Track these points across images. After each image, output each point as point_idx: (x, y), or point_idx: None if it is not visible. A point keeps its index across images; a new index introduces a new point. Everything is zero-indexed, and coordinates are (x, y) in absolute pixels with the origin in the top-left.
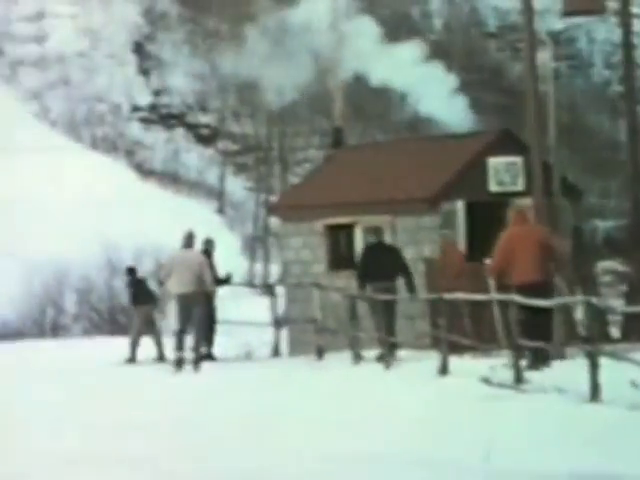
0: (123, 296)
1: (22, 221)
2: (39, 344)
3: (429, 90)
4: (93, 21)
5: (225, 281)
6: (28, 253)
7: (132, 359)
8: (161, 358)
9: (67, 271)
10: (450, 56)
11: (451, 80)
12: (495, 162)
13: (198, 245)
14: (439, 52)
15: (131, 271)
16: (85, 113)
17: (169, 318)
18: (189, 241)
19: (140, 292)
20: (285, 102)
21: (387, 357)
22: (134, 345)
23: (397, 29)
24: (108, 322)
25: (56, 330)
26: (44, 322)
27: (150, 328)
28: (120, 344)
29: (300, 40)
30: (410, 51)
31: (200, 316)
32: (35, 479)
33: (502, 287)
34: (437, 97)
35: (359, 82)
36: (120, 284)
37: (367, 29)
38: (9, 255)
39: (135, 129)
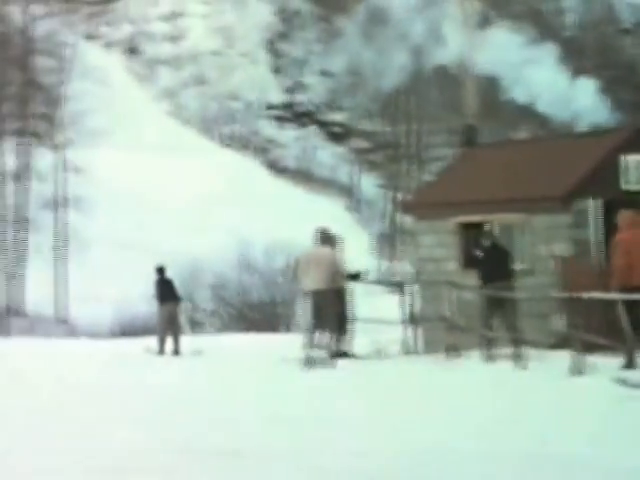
0: (256, 293)
1: (156, 218)
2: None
3: (565, 90)
4: (227, 20)
5: (355, 277)
6: (163, 249)
7: (161, 351)
8: (176, 352)
9: (201, 267)
10: (584, 53)
11: (588, 81)
12: (629, 160)
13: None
14: (573, 50)
15: (160, 271)
16: (218, 111)
17: (303, 315)
18: (322, 238)
19: (166, 291)
20: (417, 100)
21: (518, 356)
22: (162, 339)
23: (532, 28)
24: (242, 318)
25: (191, 326)
26: None
27: (172, 324)
28: (253, 340)
29: (433, 42)
30: (545, 52)
31: (333, 313)
32: (183, 473)
33: (625, 289)
34: (575, 97)
35: (492, 83)
36: (252, 281)
37: (503, 35)
38: (143, 251)
39: (268, 127)
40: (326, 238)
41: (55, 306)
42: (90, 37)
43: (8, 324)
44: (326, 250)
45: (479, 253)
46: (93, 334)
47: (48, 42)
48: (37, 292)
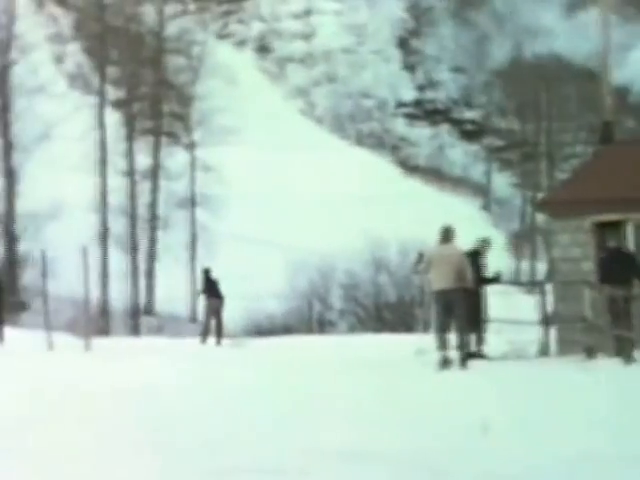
0: (390, 293)
1: (288, 216)
2: (307, 339)
3: None
4: (358, 17)
5: (493, 280)
6: (294, 248)
7: (203, 341)
8: (219, 343)
9: (332, 266)
10: None
11: None
12: None
13: (458, 241)
14: None
15: (206, 272)
16: (350, 109)
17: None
18: (447, 235)
19: (211, 289)
20: (551, 98)
21: None
22: (206, 331)
23: None
24: (374, 319)
25: (322, 325)
26: (311, 317)
27: (216, 317)
28: (386, 340)
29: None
30: None
31: (462, 313)
32: (314, 473)
33: None
34: None
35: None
36: (385, 280)
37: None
38: (276, 249)
39: (400, 125)
40: (451, 235)
41: (185, 305)
42: (221, 36)
43: (138, 323)
44: (452, 248)
45: (603, 255)
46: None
47: (180, 41)
48: (167, 291)
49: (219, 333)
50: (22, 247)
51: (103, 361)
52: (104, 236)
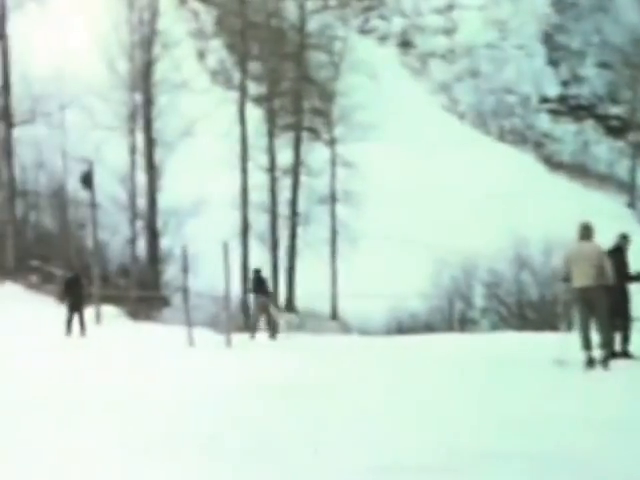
0: (532, 291)
1: (430, 213)
2: (447, 337)
3: None
4: (501, 12)
5: (637, 278)
6: (436, 245)
7: (253, 336)
8: (272, 336)
9: (475, 264)
10: None
11: None
12: None
13: (603, 238)
14: None
15: (257, 272)
16: (493, 105)
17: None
18: (586, 232)
19: (259, 287)
20: None
21: None
22: (254, 326)
23: None
24: (516, 317)
25: (464, 324)
26: (452, 316)
27: (265, 314)
28: (528, 339)
29: None
30: None
31: (603, 311)
32: (459, 473)
33: None
34: None
35: None
36: (529, 279)
37: None
38: (418, 247)
39: (544, 121)
40: (590, 232)
41: (326, 302)
42: (363, 31)
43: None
44: (592, 245)
45: None
46: (365, 331)
47: (321, 37)
48: (307, 287)
49: (273, 328)
50: (164, 243)
51: (244, 357)
52: (245, 232)
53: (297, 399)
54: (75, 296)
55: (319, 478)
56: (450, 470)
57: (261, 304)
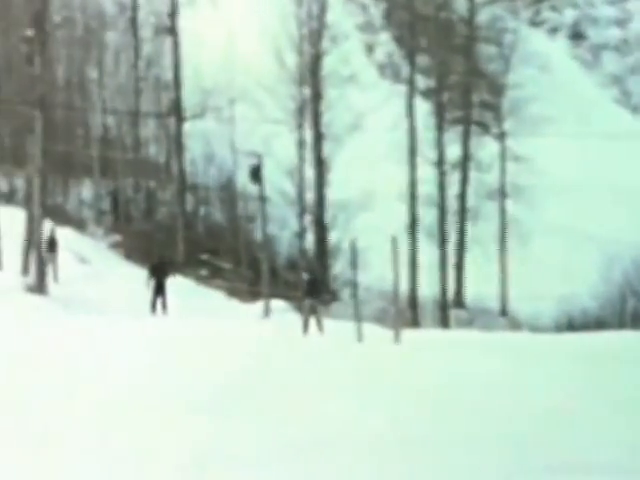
0: None
1: (603, 208)
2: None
3: None
4: None
5: None
6: (609, 240)
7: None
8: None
9: None
10: None
11: None
12: None
13: None
14: None
15: (310, 274)
16: None
17: None
18: None
19: (311, 288)
20: None
21: None
22: (306, 324)
23: None
24: None
25: (637, 320)
26: (624, 311)
27: (314, 312)
28: None
29: None
30: None
31: None
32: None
33: None
34: None
35: None
36: None
37: None
38: (590, 242)
39: None
40: None
41: (497, 298)
42: (533, 23)
43: (448, 315)
44: None
45: None
46: (535, 327)
47: (491, 29)
48: (477, 283)
49: (319, 323)
50: (332, 237)
51: (412, 353)
52: (413, 227)
53: (456, 398)
54: (159, 279)
55: None
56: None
57: (309, 306)
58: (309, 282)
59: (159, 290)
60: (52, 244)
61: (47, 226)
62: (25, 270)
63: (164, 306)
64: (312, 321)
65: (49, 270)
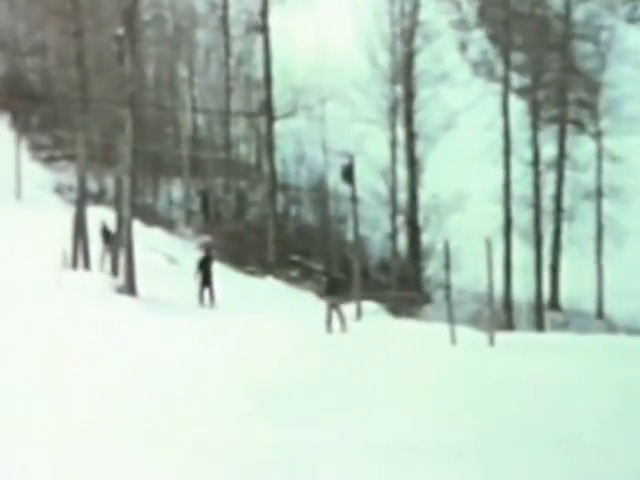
0: None
1: None
2: None
3: None
4: None
5: None
6: None
7: (329, 330)
8: (344, 330)
9: None
10: None
11: None
12: None
13: None
14: None
15: (327, 274)
16: None
17: None
18: None
19: (330, 287)
20: None
21: None
22: (329, 321)
23: None
24: None
25: None
26: None
27: (336, 311)
28: None
29: None
30: None
31: None
32: None
33: None
34: None
35: None
36: None
37: None
38: None
39: None
40: None
41: (592, 300)
42: (631, 19)
43: (543, 318)
44: None
45: None
46: (633, 330)
47: (587, 26)
48: (572, 285)
49: (342, 321)
50: (425, 238)
51: (507, 356)
52: (507, 228)
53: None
54: (205, 273)
55: None
56: None
57: (331, 303)
58: (328, 282)
59: (206, 282)
60: (107, 235)
61: (100, 217)
62: (115, 271)
63: (212, 298)
64: (335, 318)
65: (105, 262)
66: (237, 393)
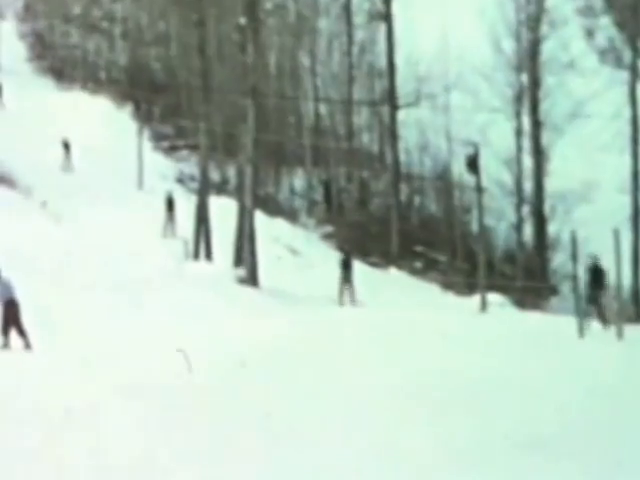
0: None
1: None
2: None
3: None
4: None
5: None
6: None
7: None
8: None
9: None
10: None
11: None
12: None
13: None
14: None
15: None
16: None
17: None
18: None
19: (344, 265)
20: None
21: None
22: (341, 294)
23: None
24: None
25: None
26: None
27: (347, 283)
28: None
29: None
30: None
31: None
32: None
33: None
34: None
35: None
36: None
37: None
38: None
39: None
40: None
41: None
42: None
43: None
44: None
45: None
46: None
47: None
48: None
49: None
50: (551, 229)
51: (637, 351)
52: (636, 219)
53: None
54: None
55: None
56: None
57: (344, 278)
58: (343, 262)
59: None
60: (170, 204)
61: (166, 189)
62: (237, 261)
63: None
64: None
65: (167, 228)
66: None
